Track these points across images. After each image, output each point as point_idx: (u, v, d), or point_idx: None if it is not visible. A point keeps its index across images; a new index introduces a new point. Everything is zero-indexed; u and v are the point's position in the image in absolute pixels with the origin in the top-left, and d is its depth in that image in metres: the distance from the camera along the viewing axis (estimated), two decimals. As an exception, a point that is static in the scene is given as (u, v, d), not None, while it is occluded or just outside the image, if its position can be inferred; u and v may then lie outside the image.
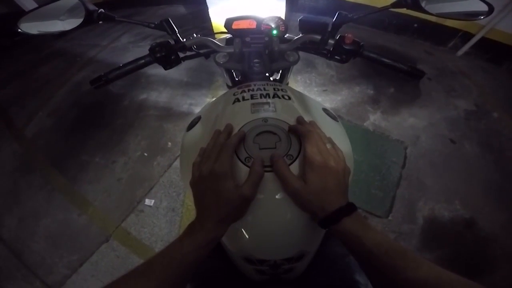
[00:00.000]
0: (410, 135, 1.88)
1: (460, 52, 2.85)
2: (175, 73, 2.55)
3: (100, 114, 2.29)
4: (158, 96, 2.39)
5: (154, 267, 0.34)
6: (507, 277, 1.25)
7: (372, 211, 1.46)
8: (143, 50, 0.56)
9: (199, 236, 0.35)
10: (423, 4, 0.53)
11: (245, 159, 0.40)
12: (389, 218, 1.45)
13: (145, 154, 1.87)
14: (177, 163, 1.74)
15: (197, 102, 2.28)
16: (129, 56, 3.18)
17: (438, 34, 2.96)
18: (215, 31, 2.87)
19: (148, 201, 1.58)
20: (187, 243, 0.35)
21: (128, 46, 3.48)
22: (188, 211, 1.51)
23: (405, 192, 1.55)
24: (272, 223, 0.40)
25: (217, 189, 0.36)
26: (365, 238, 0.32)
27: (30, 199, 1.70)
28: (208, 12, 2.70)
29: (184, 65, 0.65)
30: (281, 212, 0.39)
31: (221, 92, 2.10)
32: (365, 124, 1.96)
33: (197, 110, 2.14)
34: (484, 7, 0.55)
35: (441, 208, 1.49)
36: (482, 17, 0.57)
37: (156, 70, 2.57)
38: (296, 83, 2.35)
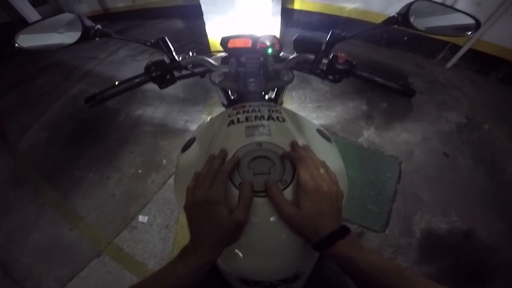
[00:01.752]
0: (404, 150, 1.90)
1: (450, 64, 2.93)
2: (171, 88, 2.50)
3: (95, 129, 2.28)
4: (154, 112, 2.39)
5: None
6: (509, 286, 1.25)
7: (368, 226, 1.45)
8: (140, 64, 0.57)
9: (194, 259, 0.36)
10: (412, 22, 0.55)
11: (239, 185, 0.40)
12: (386, 232, 1.44)
13: (140, 171, 1.85)
14: (171, 180, 1.73)
15: (193, 118, 2.28)
16: (126, 70, 3.22)
17: (428, 47, 3.05)
18: (211, 46, 2.93)
19: (141, 218, 1.56)
20: (181, 266, 0.35)
21: (126, 60, 3.51)
22: (182, 228, 1.48)
23: (401, 206, 1.55)
24: (267, 245, 0.40)
25: (211, 215, 0.37)
26: (360, 259, 0.33)
27: (20, 212, 1.67)
28: (205, 27, 2.76)
29: (180, 80, 0.65)
30: (276, 234, 0.39)
31: (217, 108, 2.12)
32: (359, 140, 1.98)
33: (192, 126, 2.15)
34: (472, 22, 0.57)
35: (438, 221, 1.49)
36: (469, 32, 0.59)
37: (152, 85, 2.57)
38: (291, 99, 2.38)
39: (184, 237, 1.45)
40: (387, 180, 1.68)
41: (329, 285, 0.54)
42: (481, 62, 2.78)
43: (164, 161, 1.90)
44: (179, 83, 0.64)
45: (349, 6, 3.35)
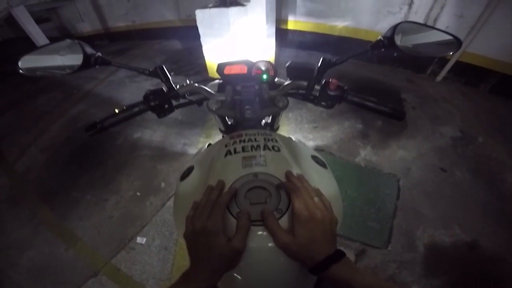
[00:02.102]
0: (401, 168, 1.91)
1: (439, 78, 3.04)
2: None
3: (93, 152, 2.29)
4: (152, 135, 2.40)
5: None
6: None
7: (370, 243, 1.43)
8: (139, 85, 0.58)
9: (194, 284, 0.37)
10: (398, 44, 0.58)
11: (237, 214, 0.42)
12: (389, 248, 1.42)
13: (138, 193, 1.84)
14: (170, 203, 1.72)
15: (191, 141, 2.28)
16: (125, 91, 3.28)
17: (417, 62, 3.17)
18: (208, 68, 3.00)
19: (140, 239, 1.53)
20: None
21: (125, 80, 3.59)
22: (181, 250, 1.46)
23: (402, 222, 1.55)
24: (264, 270, 0.41)
25: (209, 244, 0.38)
26: (354, 281, 0.34)
27: (15, 231, 1.66)
28: (202, 50, 2.85)
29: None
30: (273, 259, 0.41)
31: (215, 131, 2.14)
32: (356, 159, 2.00)
33: (191, 150, 2.17)
34: (453, 41, 0.60)
35: (441, 234, 1.48)
36: (451, 52, 0.62)
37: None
38: (288, 120, 2.42)
39: (183, 258, 1.42)
40: (386, 197, 1.68)
41: None
42: (469, 74, 2.88)
43: (163, 184, 1.89)
44: None
45: (340, 24, 3.50)
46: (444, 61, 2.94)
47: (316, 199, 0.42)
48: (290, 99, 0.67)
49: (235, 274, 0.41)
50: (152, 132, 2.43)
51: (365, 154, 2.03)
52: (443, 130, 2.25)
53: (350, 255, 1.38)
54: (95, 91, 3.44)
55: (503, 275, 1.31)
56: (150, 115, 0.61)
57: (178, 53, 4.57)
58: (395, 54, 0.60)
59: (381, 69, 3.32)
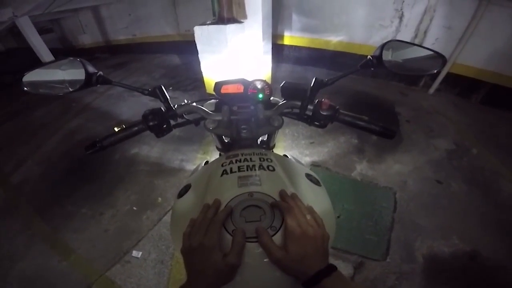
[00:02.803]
0: (397, 181, 1.93)
1: (431, 90, 3.11)
2: None
3: (90, 166, 2.28)
4: (150, 151, 2.39)
5: None
6: None
7: (368, 256, 1.43)
8: (137, 99, 0.60)
9: None
10: (386, 63, 0.61)
11: (232, 231, 0.44)
12: (387, 260, 1.42)
13: (134, 208, 1.83)
14: (167, 217, 1.71)
15: (189, 158, 2.28)
16: (124, 106, 3.29)
17: (409, 75, 3.25)
18: (206, 84, 3.04)
19: (135, 253, 1.51)
20: None
21: (124, 94, 3.61)
22: (178, 264, 1.43)
23: (400, 234, 1.55)
24: (259, 284, 0.43)
25: (206, 260, 0.40)
26: None
27: (7, 242, 1.63)
28: (200, 65, 2.90)
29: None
30: (267, 274, 0.43)
31: (212, 148, 2.15)
32: (352, 174, 2.01)
33: (188, 166, 2.17)
34: (438, 57, 0.63)
35: (440, 245, 1.48)
36: (435, 70, 0.64)
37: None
38: (284, 136, 2.45)
39: (179, 272, 1.40)
40: (383, 210, 1.69)
41: None
42: (460, 85, 2.96)
43: (160, 199, 1.89)
44: None
45: (334, 39, 3.61)
46: (435, 73, 3.02)
47: (308, 217, 0.44)
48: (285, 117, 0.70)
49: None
50: (149, 148, 2.43)
51: (361, 169, 2.05)
52: (437, 143, 2.28)
53: (348, 268, 1.37)
54: (93, 104, 3.46)
55: (506, 283, 1.31)
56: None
57: (177, 68, 4.66)
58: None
59: (375, 83, 3.40)
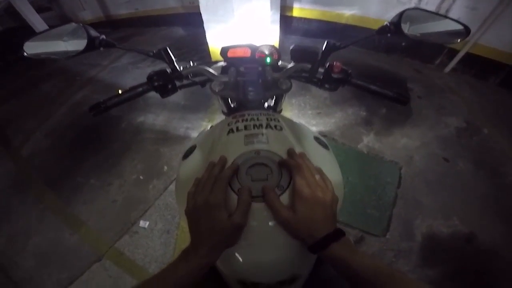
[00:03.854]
0: (403, 156, 1.90)
1: (447, 69, 2.96)
2: (173, 95, 2.58)
3: (97, 136, 2.31)
4: (155, 119, 2.41)
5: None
6: None
7: (369, 231, 1.45)
8: (142, 71, 0.59)
9: (193, 261, 0.37)
10: (404, 30, 0.57)
11: (238, 190, 0.42)
12: (387, 236, 1.44)
13: (141, 177, 1.87)
14: (172, 186, 1.74)
15: (194, 126, 2.29)
16: (129, 77, 3.26)
17: (425, 52, 3.08)
18: (212, 54, 2.97)
19: (142, 223, 1.56)
20: (182, 267, 0.37)
21: (128, 67, 3.57)
22: (183, 233, 1.48)
23: (401, 211, 1.55)
24: (265, 248, 0.41)
25: (211, 218, 0.39)
26: (352, 261, 0.34)
27: (21, 217, 1.69)
28: (205, 35, 2.81)
29: (181, 89, 0.67)
30: (274, 237, 0.41)
31: (218, 115, 2.14)
32: (359, 146, 1.99)
33: (193, 134, 2.17)
34: (461, 29, 0.58)
35: (439, 225, 1.49)
36: (459, 39, 0.60)
37: (154, 93, 2.60)
38: (291, 106, 2.40)
39: (185, 242, 1.45)
40: (387, 185, 1.68)
41: None
42: (479, 66, 2.80)
43: (165, 167, 1.91)
44: (180, 91, 0.66)
45: (347, 12, 3.41)
46: (453, 52, 2.85)
47: (317, 177, 0.42)
48: (294, 86, 0.67)
49: (235, 253, 0.42)
50: (155, 117, 2.44)
51: (368, 141, 2.02)
52: (448, 121, 2.21)
53: (349, 241, 1.40)
54: (97, 77, 3.43)
55: (497, 269, 1.32)
56: (153, 99, 0.61)
57: (181, 40, 4.51)
58: (403, 44, 0.59)
59: (388, 58, 3.25)
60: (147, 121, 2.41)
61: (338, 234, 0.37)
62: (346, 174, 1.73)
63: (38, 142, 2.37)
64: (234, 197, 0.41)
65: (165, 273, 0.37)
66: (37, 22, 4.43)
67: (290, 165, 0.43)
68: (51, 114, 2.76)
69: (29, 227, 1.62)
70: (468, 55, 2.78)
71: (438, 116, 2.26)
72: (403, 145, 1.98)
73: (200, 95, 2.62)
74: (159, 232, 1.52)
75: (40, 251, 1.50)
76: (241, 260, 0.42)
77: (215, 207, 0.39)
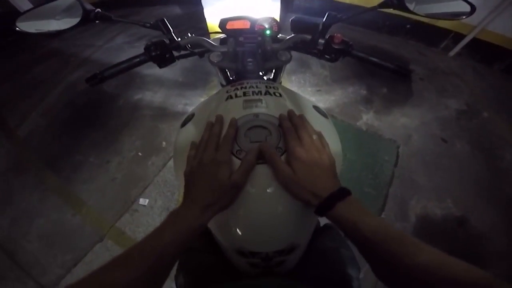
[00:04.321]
0: (402, 135, 1.91)
1: (452, 53, 2.91)
2: (170, 73, 2.55)
3: (94, 114, 2.28)
4: (153, 96, 2.38)
5: (133, 258, 0.32)
6: (501, 274, 1.26)
7: (364, 209, 1.48)
8: (138, 50, 0.58)
9: (183, 223, 0.36)
10: (408, 5, 0.55)
11: (236, 152, 0.42)
12: (382, 216, 1.47)
13: (140, 154, 1.86)
14: (171, 163, 1.74)
15: (192, 102, 2.28)
16: (124, 57, 3.06)
17: (430, 35, 3.01)
18: (210, 31, 2.88)
19: (142, 201, 1.58)
20: (169, 232, 0.35)
21: (123, 46, 3.45)
22: (183, 210, 1.51)
23: (397, 190, 1.58)
24: (263, 216, 0.41)
25: (215, 176, 0.38)
26: (361, 224, 0.33)
27: (23, 199, 1.69)
28: (203, 12, 2.71)
29: (179, 65, 0.66)
30: (272, 205, 0.41)
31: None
32: (358, 123, 1.99)
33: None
34: (467, 7, 0.57)
35: (433, 206, 1.52)
36: (464, 16, 0.59)
37: (151, 70, 2.54)
38: (291, 83, 2.37)
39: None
40: (384, 164, 1.69)
41: (325, 260, 0.55)
42: (484, 51, 2.75)
43: (164, 143, 1.91)
44: (177, 67, 0.65)
45: (353, -9, 3.25)
46: (459, 36, 2.79)
47: (315, 137, 0.42)
48: (294, 63, 0.65)
49: (232, 221, 0.42)
50: (153, 94, 2.41)
51: (367, 119, 2.02)
52: (448, 102, 2.21)
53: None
54: (93, 57, 3.32)
55: (487, 253, 1.35)
56: (151, 77, 0.59)
57: (178, 18, 4.33)
58: (408, 26, 0.57)
59: (391, 39, 3.16)
60: (145, 98, 2.38)
61: (343, 193, 0.36)
62: (344, 151, 1.71)
63: (35, 122, 2.34)
64: (232, 159, 0.41)
65: (151, 240, 0.34)
66: (24, 5, 4.20)
67: (284, 127, 0.42)
68: (46, 94, 2.70)
69: (32, 209, 1.63)
70: (474, 40, 2.72)
71: (439, 98, 2.25)
72: (402, 124, 1.99)
73: (199, 72, 2.57)
74: (159, 209, 1.54)
75: (43, 233, 1.51)
76: (239, 229, 0.42)
77: (223, 164, 0.38)
